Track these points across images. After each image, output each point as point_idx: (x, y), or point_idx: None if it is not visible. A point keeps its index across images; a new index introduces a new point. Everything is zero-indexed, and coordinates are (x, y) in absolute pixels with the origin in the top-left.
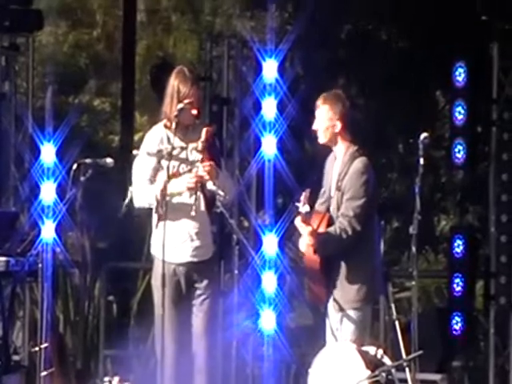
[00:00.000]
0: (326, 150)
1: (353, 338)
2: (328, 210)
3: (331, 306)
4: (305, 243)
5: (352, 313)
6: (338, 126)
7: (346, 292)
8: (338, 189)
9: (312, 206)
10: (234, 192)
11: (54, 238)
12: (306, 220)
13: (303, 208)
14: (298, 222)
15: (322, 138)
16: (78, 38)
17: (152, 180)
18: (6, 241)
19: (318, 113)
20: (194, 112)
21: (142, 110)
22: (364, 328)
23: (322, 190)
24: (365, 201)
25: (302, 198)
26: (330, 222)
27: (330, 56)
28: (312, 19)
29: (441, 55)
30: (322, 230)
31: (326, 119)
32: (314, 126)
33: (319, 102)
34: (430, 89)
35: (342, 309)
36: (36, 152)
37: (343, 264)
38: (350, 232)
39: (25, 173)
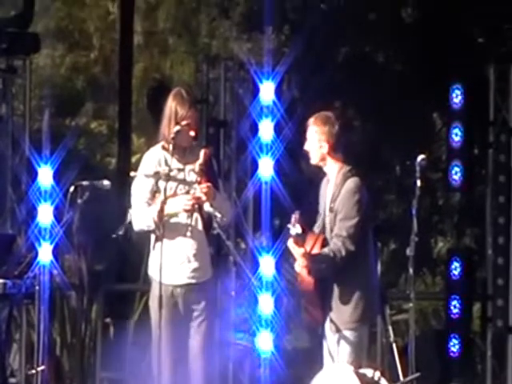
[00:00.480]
0: (323, 171)
1: (350, 360)
2: (323, 232)
3: (328, 328)
4: (298, 265)
5: (348, 333)
6: (326, 146)
7: (341, 313)
8: (331, 210)
9: (304, 228)
10: (231, 214)
11: (51, 261)
12: (299, 242)
13: (294, 230)
14: (290, 244)
15: (313, 159)
16: (75, 60)
17: (150, 202)
18: (3, 263)
19: (308, 134)
20: (192, 134)
21: (139, 132)
22: (361, 349)
23: (320, 213)
24: (358, 220)
25: (293, 219)
26: (325, 244)
27: (327, 78)
28: (309, 42)
29: (437, 77)
30: (316, 251)
31: (315, 140)
32: (306, 147)
33: (309, 123)
34: (426, 111)
35: (338, 330)
36: (33, 174)
37: (337, 285)
38: (343, 252)
39: (22, 195)
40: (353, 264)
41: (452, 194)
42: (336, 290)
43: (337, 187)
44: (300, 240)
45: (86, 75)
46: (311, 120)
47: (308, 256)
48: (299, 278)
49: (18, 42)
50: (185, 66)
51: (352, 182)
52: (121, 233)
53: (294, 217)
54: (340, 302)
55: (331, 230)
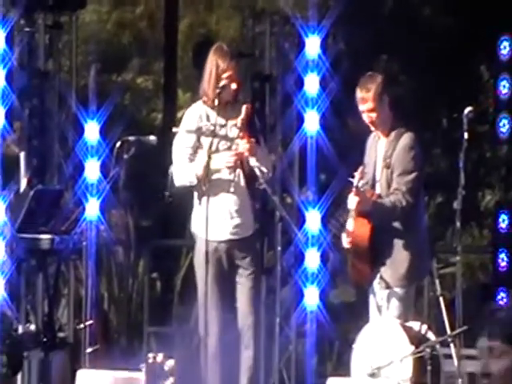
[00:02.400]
0: (369, 127)
1: (397, 315)
2: (372, 187)
3: (377, 284)
4: (354, 204)
5: (399, 290)
6: (386, 104)
7: (395, 269)
8: (387, 166)
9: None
10: (277, 168)
11: (98, 216)
12: (360, 195)
13: (359, 182)
14: (351, 197)
15: (380, 125)
16: (121, 16)
17: (192, 159)
18: (51, 219)
19: (367, 104)
20: (234, 86)
21: (185, 88)
22: (410, 305)
23: (368, 172)
24: (416, 175)
25: (358, 173)
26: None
27: (373, 32)
28: None
29: (485, 29)
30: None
31: (376, 104)
32: (368, 120)
33: (363, 94)
34: (474, 63)
35: (388, 286)
36: (80, 130)
37: (395, 242)
38: (404, 204)
39: (69, 151)
40: (409, 219)
41: (499, 147)
42: (392, 246)
43: (391, 143)
44: (361, 192)
45: (132, 31)
46: (359, 88)
47: (370, 202)
48: (353, 234)
49: None
50: (230, 21)
51: (408, 137)
52: (168, 193)
53: (360, 170)
54: (394, 258)
55: (387, 186)
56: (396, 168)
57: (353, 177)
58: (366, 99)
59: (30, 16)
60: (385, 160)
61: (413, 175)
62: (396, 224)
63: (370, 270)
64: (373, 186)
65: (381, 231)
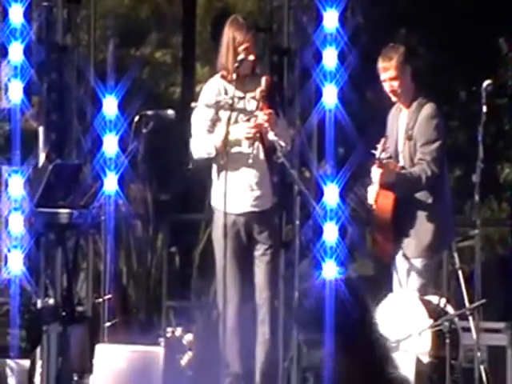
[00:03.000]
0: (387, 100)
1: (418, 287)
2: (397, 160)
3: (400, 257)
4: (377, 176)
5: (420, 261)
6: (409, 73)
7: (419, 240)
8: (409, 138)
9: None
10: (294, 142)
11: (117, 191)
12: (383, 165)
13: (382, 154)
14: (374, 169)
15: (401, 95)
16: None
17: (210, 131)
18: (70, 193)
19: (388, 72)
20: (251, 58)
21: (203, 62)
22: (430, 278)
23: (390, 144)
24: (440, 144)
25: (380, 145)
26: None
27: (391, 5)
28: None
29: (504, 1)
30: None
31: (398, 73)
32: (389, 88)
33: (385, 63)
34: (492, 36)
35: (412, 257)
36: (98, 105)
37: (419, 213)
38: (429, 173)
39: (87, 125)
40: (434, 189)
41: None
42: (417, 217)
43: (413, 114)
44: (384, 164)
45: (150, 5)
46: (381, 59)
47: (394, 174)
48: (376, 206)
49: None
50: None
51: (429, 108)
52: (190, 166)
53: (382, 142)
54: (418, 230)
55: (410, 158)
56: (419, 139)
57: (375, 149)
58: (387, 68)
59: None
60: (407, 132)
61: (436, 144)
62: (420, 194)
63: (393, 243)
64: (396, 159)
65: (404, 202)
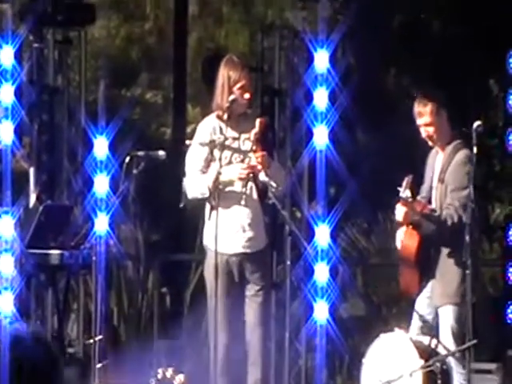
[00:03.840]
0: (379, 140)
1: (455, 333)
2: (429, 202)
3: (423, 299)
4: (401, 215)
5: (452, 309)
6: (444, 118)
7: (446, 285)
8: (441, 181)
9: (413, 194)
10: (286, 183)
11: (108, 231)
12: (407, 205)
13: (404, 193)
14: (398, 207)
15: (437, 140)
16: (130, 31)
17: (204, 171)
18: (60, 234)
19: (424, 118)
20: (247, 96)
21: (194, 103)
22: (463, 323)
23: (424, 186)
24: (470, 191)
25: (404, 183)
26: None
27: (382, 46)
28: (363, 9)
29: (494, 43)
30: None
31: (433, 119)
32: (425, 134)
33: (420, 108)
34: (483, 77)
35: (438, 305)
36: (89, 145)
37: (444, 254)
38: (455, 219)
39: (78, 166)
40: (461, 234)
41: (509, 161)
42: (443, 260)
43: (447, 158)
44: (409, 203)
45: (141, 46)
46: (421, 104)
47: (418, 214)
48: (401, 245)
49: (73, 14)
50: (239, 36)
51: (463, 153)
52: (182, 205)
53: (406, 180)
54: (444, 274)
55: (441, 201)
56: (450, 183)
57: (400, 186)
58: (422, 113)
59: (39, 31)
60: (440, 175)
61: (466, 191)
62: (446, 238)
63: (419, 280)
64: (429, 201)
65: (430, 244)
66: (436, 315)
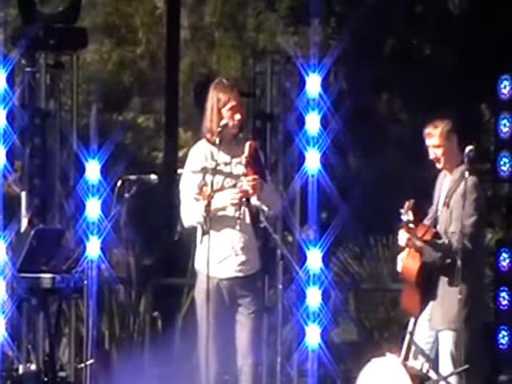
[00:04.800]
0: (371, 165)
1: (454, 358)
2: (435, 226)
3: (424, 321)
4: (404, 241)
5: (452, 334)
6: (454, 143)
7: (447, 310)
8: (447, 205)
9: (416, 217)
10: (279, 206)
11: (100, 255)
12: (410, 230)
13: (405, 216)
14: (401, 233)
15: (445, 163)
16: (122, 55)
17: (198, 198)
18: (52, 258)
19: (433, 139)
20: (238, 117)
21: (186, 127)
22: (461, 348)
23: (432, 207)
24: (475, 219)
25: (406, 206)
26: (436, 237)
27: (374, 71)
28: (355, 34)
29: (485, 68)
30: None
31: (442, 142)
32: (432, 155)
33: (430, 129)
34: (474, 102)
35: (440, 327)
36: (81, 169)
37: (446, 279)
38: (459, 247)
39: (70, 190)
40: (465, 261)
41: (500, 185)
42: (444, 284)
43: (454, 183)
44: (411, 228)
45: (133, 70)
46: (431, 126)
47: (420, 241)
48: (402, 267)
49: (65, 38)
50: (231, 60)
51: (470, 181)
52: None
53: (408, 204)
54: (444, 299)
55: (445, 226)
56: (455, 210)
57: (402, 208)
58: (432, 135)
59: (31, 56)
60: (445, 198)
61: (472, 220)
62: (448, 265)
63: (420, 301)
64: (435, 224)
65: (431, 269)
66: (436, 338)
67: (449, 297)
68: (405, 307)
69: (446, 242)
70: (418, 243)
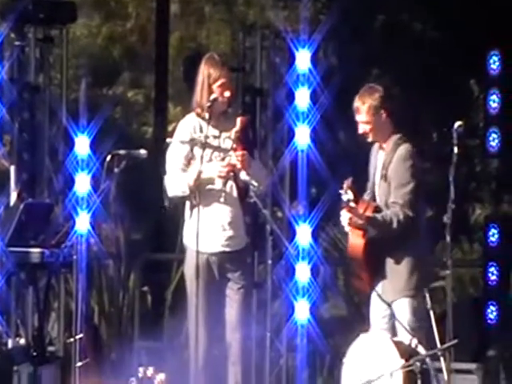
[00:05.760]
0: (360, 140)
1: (411, 327)
2: (374, 200)
3: (376, 297)
4: (346, 220)
5: (405, 301)
6: (383, 117)
7: (396, 281)
8: (384, 178)
9: (355, 195)
10: (267, 182)
11: (89, 230)
12: (351, 208)
13: (345, 196)
14: (343, 213)
15: (374, 137)
16: (112, 30)
17: (185, 169)
18: (41, 232)
19: (361, 115)
20: (227, 94)
21: (176, 102)
22: (419, 316)
23: (368, 183)
24: (413, 186)
25: (345, 185)
26: (377, 211)
27: (364, 46)
28: (345, 9)
29: (475, 44)
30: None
31: (370, 118)
32: (361, 130)
33: (358, 104)
34: (464, 78)
35: (391, 301)
36: (70, 144)
37: (391, 252)
38: (401, 217)
39: (59, 165)
40: (407, 230)
41: (489, 161)
42: (391, 258)
43: (388, 154)
44: (352, 207)
45: (123, 45)
46: (359, 100)
47: (363, 218)
48: (348, 246)
49: (54, 12)
50: (221, 35)
51: (404, 149)
52: (167, 204)
53: (346, 183)
54: (395, 270)
55: (385, 198)
56: (392, 180)
57: (341, 188)
58: (360, 110)
59: (21, 30)
60: (382, 171)
61: (409, 187)
62: (393, 236)
63: (368, 282)
64: (374, 198)
65: (376, 244)
66: (391, 311)
67: (396, 268)
68: (356, 286)
69: (388, 213)
70: (361, 221)
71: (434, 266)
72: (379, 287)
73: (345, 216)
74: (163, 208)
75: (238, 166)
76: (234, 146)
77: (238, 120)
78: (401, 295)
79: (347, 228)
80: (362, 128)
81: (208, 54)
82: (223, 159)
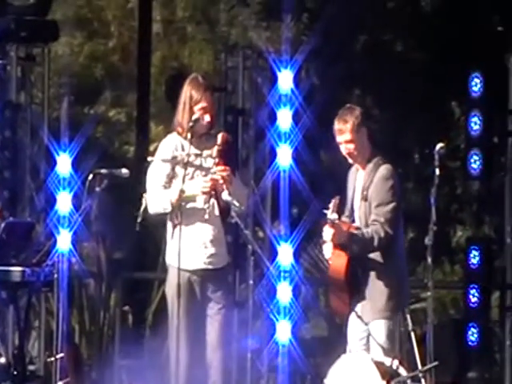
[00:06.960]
0: (342, 160)
1: (385, 348)
2: (353, 221)
3: (355, 318)
4: (329, 236)
5: (382, 322)
6: (365, 136)
7: (375, 302)
8: (365, 198)
9: (339, 215)
10: (249, 201)
11: (70, 249)
12: (335, 227)
13: (332, 215)
14: (326, 229)
15: (357, 156)
16: (94, 48)
17: (166, 186)
18: (22, 251)
19: (344, 135)
20: (207, 118)
21: (158, 121)
22: (394, 338)
23: (348, 204)
24: (394, 206)
25: (331, 205)
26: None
27: (346, 67)
28: (327, 30)
29: (456, 66)
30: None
31: (354, 135)
32: (345, 151)
33: (340, 125)
34: (445, 99)
35: (371, 319)
36: (52, 162)
37: (372, 273)
38: (382, 235)
39: (40, 183)
40: (387, 249)
41: (471, 183)
42: (371, 278)
43: (369, 175)
44: (336, 224)
45: (105, 63)
46: (340, 121)
47: (346, 234)
48: (329, 267)
49: (36, 30)
50: (203, 55)
51: (385, 169)
52: (139, 220)
53: (334, 202)
54: (373, 291)
55: (366, 219)
56: (373, 199)
57: (327, 209)
58: (343, 131)
59: (2, 48)
60: (362, 192)
61: (390, 206)
62: (374, 255)
63: (348, 303)
64: (352, 219)
65: (358, 263)
66: (369, 332)
67: (375, 290)
68: (334, 309)
69: (369, 230)
70: (344, 238)
71: (414, 287)
72: (358, 308)
73: (328, 232)
74: (143, 227)
75: (220, 181)
76: (217, 160)
77: (219, 136)
78: (379, 316)
79: (328, 254)
80: (346, 148)
81: (193, 74)
82: (205, 177)
